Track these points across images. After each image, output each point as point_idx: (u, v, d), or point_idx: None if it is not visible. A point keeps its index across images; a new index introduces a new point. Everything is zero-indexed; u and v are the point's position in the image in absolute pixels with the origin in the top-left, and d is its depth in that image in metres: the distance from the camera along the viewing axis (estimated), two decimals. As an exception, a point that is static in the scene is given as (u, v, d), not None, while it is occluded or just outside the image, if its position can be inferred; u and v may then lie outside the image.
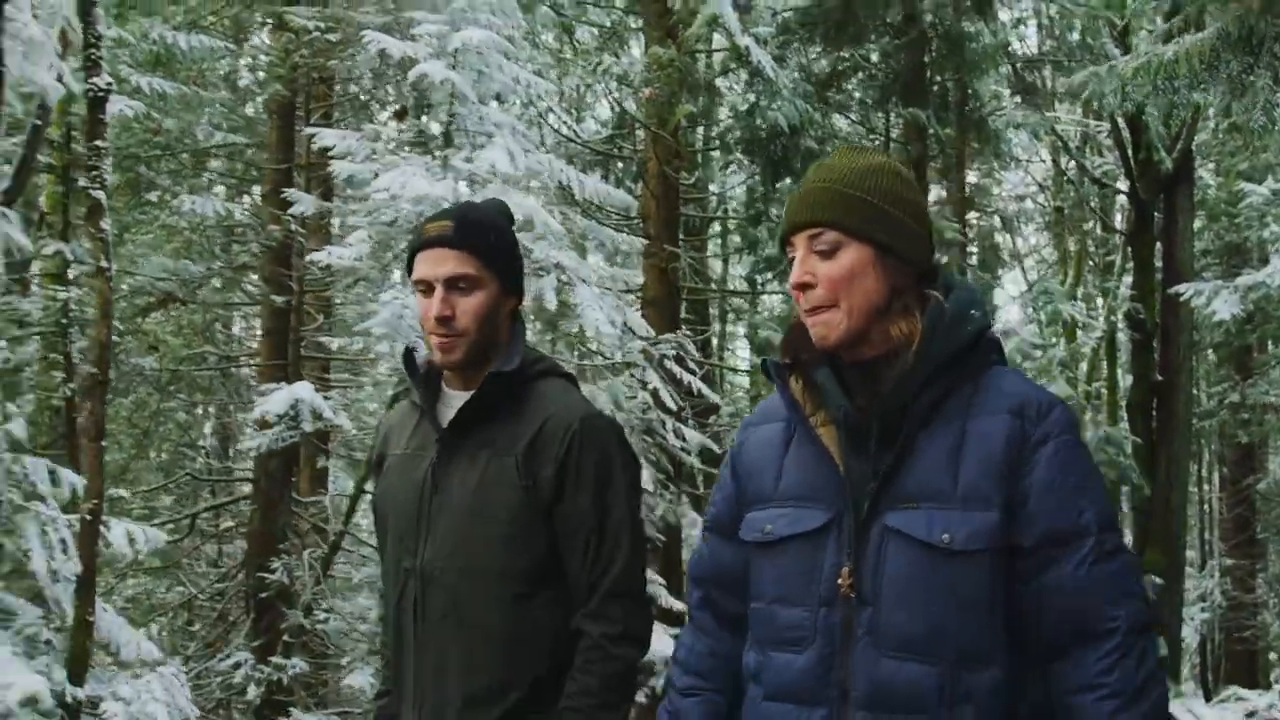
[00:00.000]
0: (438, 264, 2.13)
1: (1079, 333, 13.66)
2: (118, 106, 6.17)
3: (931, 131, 8.94)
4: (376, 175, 6.34)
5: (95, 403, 4.37)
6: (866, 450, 1.74)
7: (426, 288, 2.15)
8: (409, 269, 2.21)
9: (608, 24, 10.05)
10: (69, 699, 4.18)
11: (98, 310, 4.46)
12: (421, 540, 2.14)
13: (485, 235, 2.17)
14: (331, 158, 6.72)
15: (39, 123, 5.01)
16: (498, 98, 6.88)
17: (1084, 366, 13.85)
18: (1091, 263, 17.19)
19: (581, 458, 2.11)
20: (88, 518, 4.33)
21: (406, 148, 6.96)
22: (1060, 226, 16.19)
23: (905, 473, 1.72)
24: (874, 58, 9.32)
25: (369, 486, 6.53)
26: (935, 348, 1.73)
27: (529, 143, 6.41)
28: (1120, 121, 11.12)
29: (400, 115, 7.44)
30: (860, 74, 9.84)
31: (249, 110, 9.56)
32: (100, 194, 4.47)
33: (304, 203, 7.42)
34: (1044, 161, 16.33)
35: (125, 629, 4.60)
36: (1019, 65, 10.73)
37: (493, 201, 2.32)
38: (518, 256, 2.26)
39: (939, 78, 9.38)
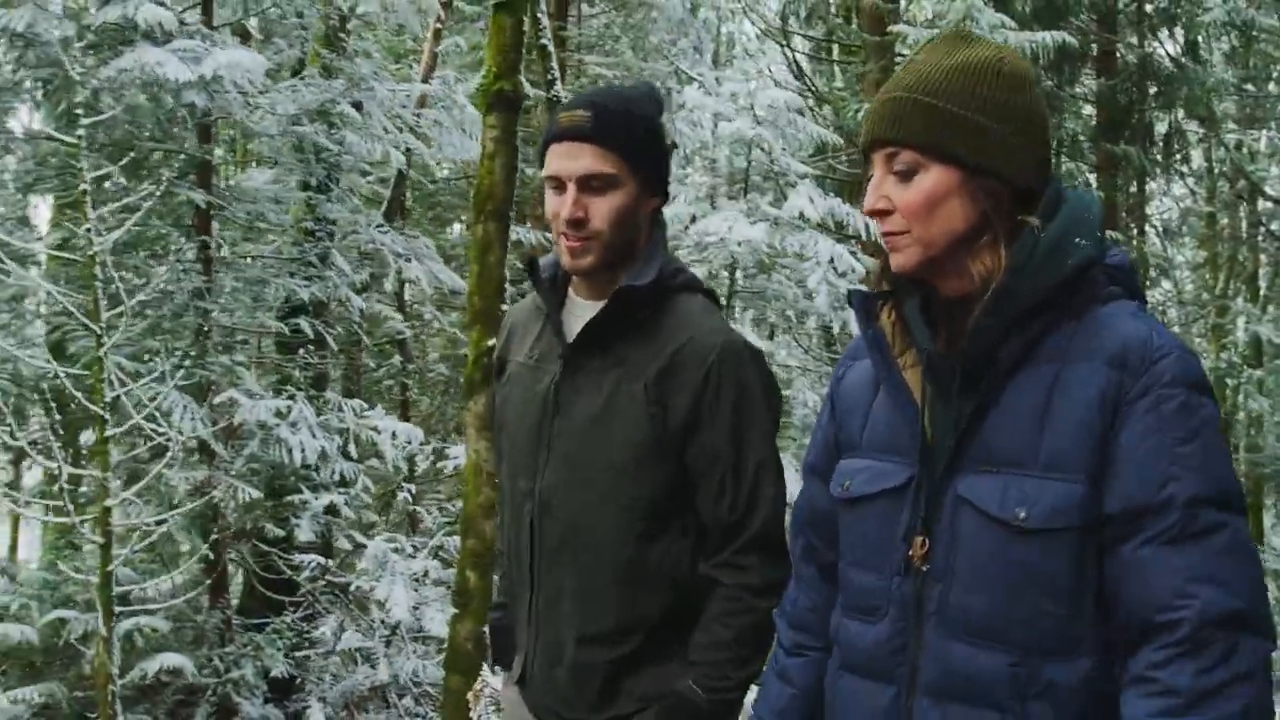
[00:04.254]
0: (572, 159, 1.92)
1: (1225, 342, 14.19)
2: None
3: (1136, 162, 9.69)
4: (694, 219, 7.41)
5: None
6: (949, 399, 1.52)
7: (558, 185, 1.95)
8: (540, 161, 2.01)
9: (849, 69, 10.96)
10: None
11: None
12: (541, 462, 2.00)
13: (627, 128, 1.94)
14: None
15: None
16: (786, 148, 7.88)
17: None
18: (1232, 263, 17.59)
19: (720, 388, 1.91)
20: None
21: (703, 190, 8.03)
22: (1212, 234, 16.60)
23: (986, 428, 1.49)
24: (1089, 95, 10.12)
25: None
26: (1020, 287, 1.47)
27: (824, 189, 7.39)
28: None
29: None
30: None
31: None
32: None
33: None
34: (1190, 173, 16.71)
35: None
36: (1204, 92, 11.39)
37: (640, 85, 2.11)
38: (663, 151, 2.02)
39: (1145, 112, 10.13)
